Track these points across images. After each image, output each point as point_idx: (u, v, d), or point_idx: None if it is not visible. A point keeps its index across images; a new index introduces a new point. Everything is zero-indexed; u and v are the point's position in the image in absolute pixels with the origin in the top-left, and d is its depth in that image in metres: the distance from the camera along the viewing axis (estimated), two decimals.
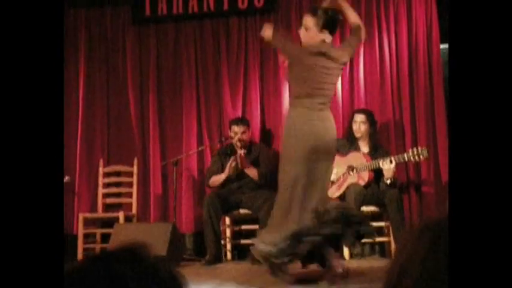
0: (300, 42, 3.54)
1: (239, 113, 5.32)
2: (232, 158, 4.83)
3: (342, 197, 4.72)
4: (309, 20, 3.38)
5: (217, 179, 4.89)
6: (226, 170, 4.83)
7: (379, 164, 4.54)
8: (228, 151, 4.98)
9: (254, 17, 5.46)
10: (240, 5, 5.42)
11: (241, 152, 4.87)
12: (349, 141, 4.83)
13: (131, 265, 0.77)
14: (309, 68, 3.34)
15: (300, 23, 5.32)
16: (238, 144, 4.92)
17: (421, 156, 4.51)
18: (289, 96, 3.47)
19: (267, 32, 3.42)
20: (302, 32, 3.42)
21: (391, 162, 4.49)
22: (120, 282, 0.75)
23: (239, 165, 4.81)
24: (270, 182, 4.85)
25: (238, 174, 4.89)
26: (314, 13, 3.38)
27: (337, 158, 4.78)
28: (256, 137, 5.30)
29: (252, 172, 4.86)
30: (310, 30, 3.37)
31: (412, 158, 4.53)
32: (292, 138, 3.37)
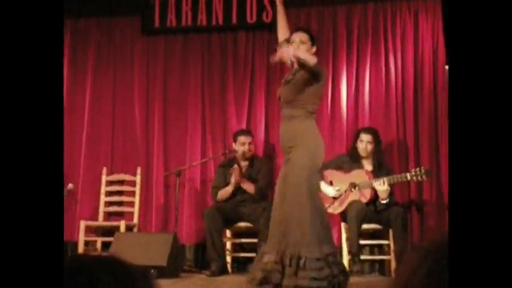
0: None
1: (243, 126, 5.34)
2: (231, 169, 4.85)
3: (343, 214, 4.73)
4: (304, 36, 3.56)
5: (225, 192, 4.90)
6: (232, 182, 4.85)
7: (374, 184, 4.57)
8: (232, 164, 5.00)
9: (262, 32, 5.51)
10: (248, 19, 5.48)
11: (235, 166, 4.87)
12: (352, 159, 4.85)
13: (107, 267, 0.81)
14: (324, 85, 3.57)
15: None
16: (245, 155, 4.93)
17: (423, 177, 4.53)
18: (296, 108, 3.46)
19: (303, 54, 3.43)
20: (294, 47, 3.50)
21: (383, 183, 4.52)
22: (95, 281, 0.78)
23: (235, 179, 4.82)
24: (266, 196, 4.88)
25: (241, 187, 4.90)
26: (306, 29, 3.67)
27: (340, 174, 4.81)
28: (260, 151, 5.32)
29: (249, 186, 4.88)
30: (305, 44, 3.53)
31: (413, 177, 4.55)
32: (316, 148, 3.44)
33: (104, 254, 0.85)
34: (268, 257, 3.36)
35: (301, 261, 3.25)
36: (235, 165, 4.86)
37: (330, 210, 4.66)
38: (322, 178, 4.86)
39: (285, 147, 3.49)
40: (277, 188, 3.56)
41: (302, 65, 3.33)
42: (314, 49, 3.61)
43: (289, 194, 3.38)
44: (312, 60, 3.35)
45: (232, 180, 4.82)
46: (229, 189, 4.87)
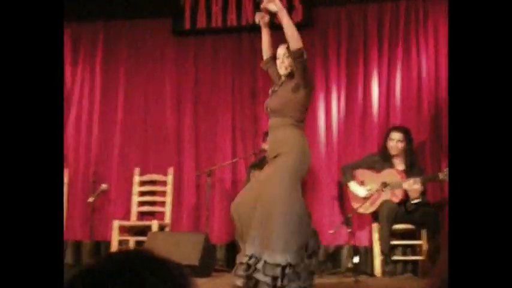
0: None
1: None
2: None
3: (375, 214, 4.69)
4: (285, 49, 3.48)
5: None
6: None
7: (405, 183, 4.52)
8: (262, 163, 4.99)
9: None
10: (278, 19, 5.46)
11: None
12: (383, 158, 4.81)
13: (146, 264, 0.82)
14: (311, 93, 3.53)
15: (337, 38, 5.36)
16: None
17: None
18: (283, 117, 3.42)
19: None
20: (279, 62, 3.50)
21: (415, 183, 4.46)
22: (137, 278, 0.80)
23: None
24: None
25: None
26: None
27: (371, 174, 4.78)
28: None
29: None
30: (290, 57, 3.44)
31: (445, 177, 4.49)
32: (304, 155, 3.39)
33: (142, 248, 0.87)
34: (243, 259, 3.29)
35: (259, 264, 3.18)
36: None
37: (360, 210, 4.64)
38: (353, 178, 4.83)
39: (271, 154, 3.42)
40: (249, 185, 3.54)
41: (297, 56, 3.30)
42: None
43: (265, 195, 3.29)
44: (297, 39, 3.32)
45: None
46: None
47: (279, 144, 3.38)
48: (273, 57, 3.64)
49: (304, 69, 3.38)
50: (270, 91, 3.65)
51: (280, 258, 3.17)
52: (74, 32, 5.90)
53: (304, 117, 3.49)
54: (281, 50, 3.51)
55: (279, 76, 3.58)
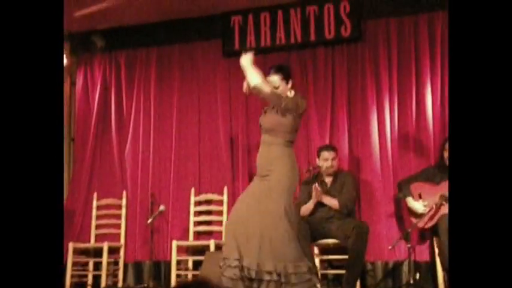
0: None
1: (326, 141, 5.32)
2: (313, 186, 4.83)
3: (433, 228, 4.58)
4: (274, 79, 3.65)
5: (306, 209, 4.89)
6: (314, 199, 4.83)
7: None
8: (316, 180, 4.97)
9: (341, 46, 5.49)
10: (326, 35, 5.47)
11: (315, 185, 4.84)
12: (440, 170, 4.69)
13: None
14: (300, 117, 3.67)
15: (387, 50, 5.30)
16: (329, 170, 4.90)
17: None
18: (275, 137, 3.60)
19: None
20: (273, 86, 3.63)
21: None
22: None
23: (315, 196, 4.79)
24: (351, 210, 4.81)
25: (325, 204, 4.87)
26: (277, 69, 3.69)
27: (429, 187, 4.67)
28: (344, 164, 5.27)
29: (331, 202, 4.82)
30: (280, 88, 3.64)
31: None
32: (293, 172, 3.57)
33: (202, 279, 0.90)
34: (234, 263, 3.39)
35: (292, 277, 3.34)
36: (315, 185, 4.83)
37: (420, 225, 4.53)
38: (410, 192, 4.74)
39: (262, 170, 3.58)
40: (245, 199, 3.61)
41: (256, 92, 3.55)
42: (290, 85, 3.69)
43: (266, 212, 3.45)
44: (249, 79, 3.54)
45: (313, 196, 4.81)
46: (310, 206, 4.85)
47: (270, 162, 3.55)
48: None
49: (276, 101, 3.55)
50: (263, 110, 3.80)
51: (305, 266, 3.40)
52: (129, 57, 6.10)
53: (294, 138, 3.65)
54: (271, 83, 3.65)
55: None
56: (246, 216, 3.51)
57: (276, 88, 3.62)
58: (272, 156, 3.58)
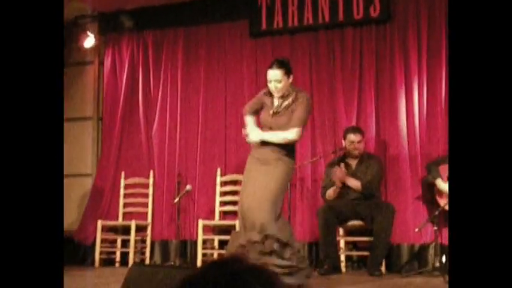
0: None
1: (353, 123, 5.29)
2: (334, 169, 4.83)
3: None
4: (277, 74, 3.71)
5: (332, 192, 4.89)
6: (337, 182, 4.83)
7: None
8: (341, 161, 4.96)
9: (370, 27, 5.42)
10: (355, 15, 5.41)
11: (336, 167, 4.83)
12: None
13: (248, 269, 0.85)
14: (310, 113, 3.89)
15: (417, 31, 5.21)
16: (354, 152, 4.89)
17: None
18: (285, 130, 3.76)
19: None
20: (272, 85, 3.73)
21: None
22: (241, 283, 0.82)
23: (337, 178, 4.79)
24: (373, 191, 4.80)
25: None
26: (279, 64, 3.73)
27: None
28: (370, 147, 5.24)
29: (354, 183, 4.81)
30: (282, 82, 3.71)
31: None
32: (289, 177, 3.83)
33: (238, 257, 0.90)
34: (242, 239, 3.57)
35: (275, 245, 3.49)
36: (336, 166, 4.82)
37: (447, 207, 4.49)
38: (439, 174, 4.69)
39: (267, 158, 3.73)
40: (247, 184, 3.79)
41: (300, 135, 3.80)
42: (291, 79, 3.78)
43: (259, 194, 3.61)
44: (296, 136, 3.72)
45: (334, 179, 4.80)
46: (335, 189, 4.85)
47: (275, 150, 3.72)
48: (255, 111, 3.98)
49: (307, 119, 3.85)
50: (270, 112, 3.83)
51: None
52: (156, 38, 6.12)
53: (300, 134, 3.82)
54: (272, 77, 3.72)
55: (270, 99, 3.83)
56: (250, 201, 3.65)
57: (279, 82, 3.67)
58: (277, 148, 3.73)
